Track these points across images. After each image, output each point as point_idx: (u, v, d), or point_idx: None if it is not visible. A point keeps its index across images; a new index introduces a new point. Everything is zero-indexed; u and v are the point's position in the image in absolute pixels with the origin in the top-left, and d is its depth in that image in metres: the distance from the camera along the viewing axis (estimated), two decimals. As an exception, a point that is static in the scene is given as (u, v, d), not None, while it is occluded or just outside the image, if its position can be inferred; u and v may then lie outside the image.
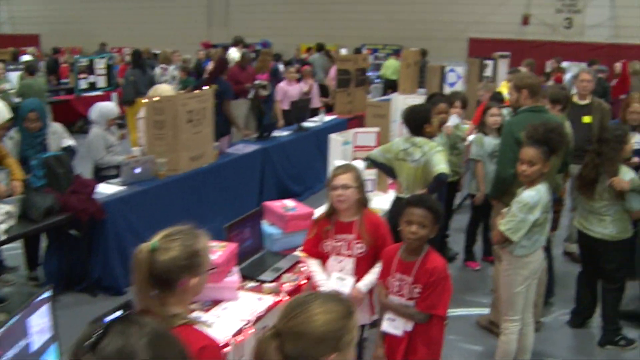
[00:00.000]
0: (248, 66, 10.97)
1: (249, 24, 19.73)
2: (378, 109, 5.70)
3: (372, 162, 5.13)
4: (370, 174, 5.37)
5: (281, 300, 3.67)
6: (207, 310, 3.49)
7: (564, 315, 5.38)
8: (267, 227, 4.55)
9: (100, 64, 14.26)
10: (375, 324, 3.65)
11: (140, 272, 2.15)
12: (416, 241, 3.25)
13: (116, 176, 6.21)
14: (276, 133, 8.85)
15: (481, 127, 6.13)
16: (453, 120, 5.84)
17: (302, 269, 4.02)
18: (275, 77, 12.45)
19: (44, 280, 5.78)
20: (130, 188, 6.06)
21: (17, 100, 10.01)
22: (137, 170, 6.17)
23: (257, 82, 10.78)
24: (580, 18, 16.19)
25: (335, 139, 5.06)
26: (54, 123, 6.37)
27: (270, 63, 12.56)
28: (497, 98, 6.90)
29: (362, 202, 3.63)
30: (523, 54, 15.85)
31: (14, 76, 12.34)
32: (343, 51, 14.86)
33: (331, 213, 3.64)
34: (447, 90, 8.28)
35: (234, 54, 13.67)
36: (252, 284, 3.85)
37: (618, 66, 13.58)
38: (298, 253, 4.14)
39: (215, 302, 3.57)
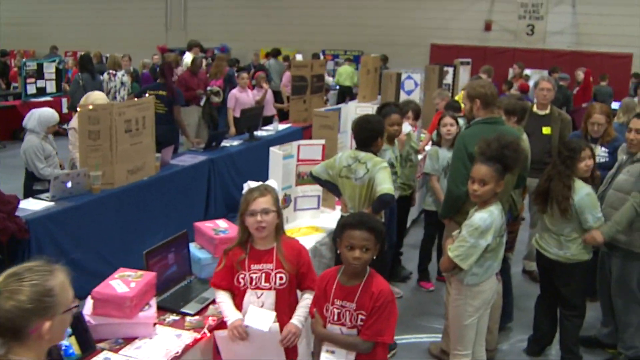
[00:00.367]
0: (200, 71, 10.52)
1: (207, 28, 19.24)
2: (325, 119, 5.30)
3: (315, 180, 4.74)
4: (315, 190, 4.98)
5: (204, 337, 3.27)
6: (116, 351, 3.10)
7: (521, 342, 5.06)
8: (196, 250, 4.14)
9: (50, 68, 13.70)
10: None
11: None
12: (360, 266, 2.92)
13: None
14: (225, 143, 8.41)
15: (436, 138, 5.78)
16: (405, 129, 5.46)
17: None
18: (230, 83, 12.06)
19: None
20: (60, 204, 5.57)
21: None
22: (68, 185, 5.69)
23: (209, 88, 10.35)
24: (542, 25, 16.06)
25: (276, 153, 4.64)
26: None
27: (225, 68, 12.16)
28: (453, 106, 6.55)
29: (280, 227, 3.26)
30: (485, 60, 15.70)
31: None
32: (298, 57, 14.47)
33: (244, 241, 3.23)
34: (404, 98, 7.92)
35: (188, 58, 13.28)
36: (173, 317, 3.46)
37: (580, 74, 13.43)
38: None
39: (129, 340, 3.18)
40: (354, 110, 6.10)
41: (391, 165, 5.15)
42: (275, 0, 18.34)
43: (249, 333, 3.08)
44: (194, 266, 4.01)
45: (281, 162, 4.63)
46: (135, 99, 7.14)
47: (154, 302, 3.37)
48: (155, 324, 3.29)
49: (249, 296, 3.16)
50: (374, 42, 17.14)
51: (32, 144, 6.11)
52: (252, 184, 3.27)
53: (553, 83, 6.20)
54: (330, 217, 5.00)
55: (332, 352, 3.00)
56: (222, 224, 4.20)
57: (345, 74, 14.87)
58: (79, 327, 3.01)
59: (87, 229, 5.69)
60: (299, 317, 3.23)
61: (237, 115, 9.78)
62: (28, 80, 13.19)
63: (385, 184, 4.29)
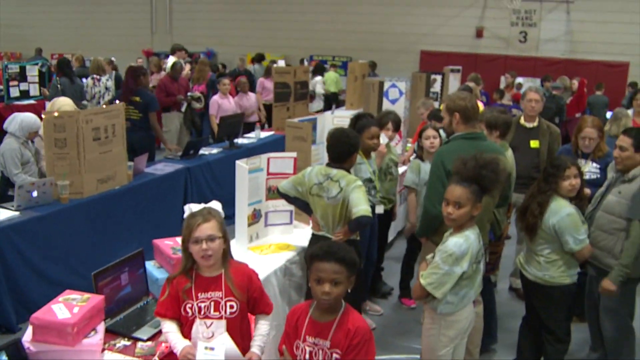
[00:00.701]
0: (180, 77, 10.23)
1: (193, 32, 18.99)
2: (298, 130, 5.01)
3: (282, 197, 4.45)
4: (287, 204, 4.71)
5: (154, 365, 3.03)
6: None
7: (505, 366, 4.77)
8: (154, 269, 3.88)
9: (33, 71, 13.38)
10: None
11: None
12: (331, 302, 2.65)
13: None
14: (204, 151, 8.13)
15: (418, 150, 5.51)
16: (383, 141, 5.17)
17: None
18: (213, 89, 11.80)
19: None
20: (26, 214, 5.35)
21: None
22: (34, 194, 5.46)
23: (190, 94, 10.06)
24: (535, 32, 15.79)
25: (241, 166, 4.35)
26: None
27: (207, 73, 11.86)
28: (437, 116, 6.24)
29: (228, 252, 3.01)
30: (477, 68, 15.48)
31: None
32: (281, 63, 14.18)
33: (189, 268, 2.95)
34: (388, 107, 7.64)
35: (172, 62, 13.02)
36: (124, 342, 3.23)
37: (574, 83, 13.18)
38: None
39: (73, 371, 2.93)
40: (331, 120, 5.81)
41: (369, 180, 4.87)
42: (263, 4, 18.06)
43: None
44: (152, 286, 3.78)
45: (247, 177, 4.34)
46: (104, 106, 6.85)
47: (101, 327, 3.15)
48: (103, 350, 3.10)
49: (198, 326, 2.91)
50: (362, 48, 16.88)
51: (10, 147, 5.96)
52: (193, 207, 3.01)
53: (541, 94, 5.90)
54: (304, 233, 4.73)
55: None
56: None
57: (330, 80, 14.62)
58: (17, 355, 2.81)
59: (55, 239, 5.49)
60: (258, 345, 3.03)
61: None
62: (11, 83, 12.86)
63: (361, 205, 4.03)
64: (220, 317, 2.91)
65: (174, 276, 3.01)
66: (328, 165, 4.31)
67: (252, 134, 9.41)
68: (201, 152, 8.04)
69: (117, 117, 6.19)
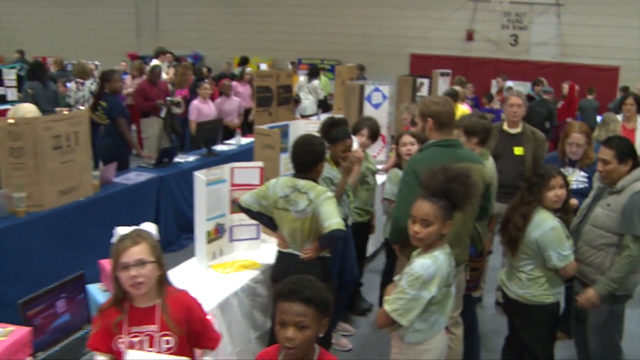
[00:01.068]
0: (160, 81, 9.91)
1: (180, 35, 18.63)
2: (266, 138, 4.69)
3: (244, 212, 4.12)
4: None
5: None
6: None
7: (487, 390, 4.46)
8: (98, 293, 3.54)
9: (10, 75, 13.03)
10: None
11: None
12: (297, 350, 2.28)
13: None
14: (179, 158, 7.80)
15: (397, 159, 5.19)
16: (355, 147, 4.84)
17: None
18: (196, 93, 11.48)
19: None
20: (-22, 228, 5.00)
21: None
22: (-13, 207, 5.12)
23: (169, 98, 9.73)
24: (526, 35, 15.52)
25: (199, 178, 4.03)
26: None
27: (190, 77, 11.56)
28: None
29: (164, 279, 2.68)
30: (467, 71, 15.19)
31: None
32: (262, 66, 13.87)
33: (121, 299, 2.63)
34: (371, 112, 7.33)
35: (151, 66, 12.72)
36: None
37: (565, 87, 12.90)
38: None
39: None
40: (304, 127, 5.49)
41: (330, 181, 4.52)
42: (251, 7, 17.74)
43: None
44: (95, 312, 3.42)
45: (204, 189, 4.01)
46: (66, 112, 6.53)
47: (28, 363, 2.80)
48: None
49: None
50: (352, 51, 16.56)
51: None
52: (123, 230, 2.69)
53: (524, 98, 5.59)
54: (273, 248, 4.37)
55: None
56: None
57: (321, 84, 14.19)
58: None
59: (9, 257, 5.11)
60: None
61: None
62: (-12, 88, 12.54)
63: (333, 219, 3.72)
64: (158, 352, 2.59)
65: (104, 307, 2.69)
66: (294, 176, 4.00)
67: (232, 140, 9.09)
68: (177, 159, 7.72)
69: (81, 124, 5.86)
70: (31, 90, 9.37)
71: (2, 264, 5.03)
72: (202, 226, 4.10)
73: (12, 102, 12.62)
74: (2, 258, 5.03)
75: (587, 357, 4.21)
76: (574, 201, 4.36)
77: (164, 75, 12.60)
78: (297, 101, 12.00)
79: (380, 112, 7.43)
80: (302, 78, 14.07)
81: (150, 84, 9.60)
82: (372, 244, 5.82)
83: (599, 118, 11.51)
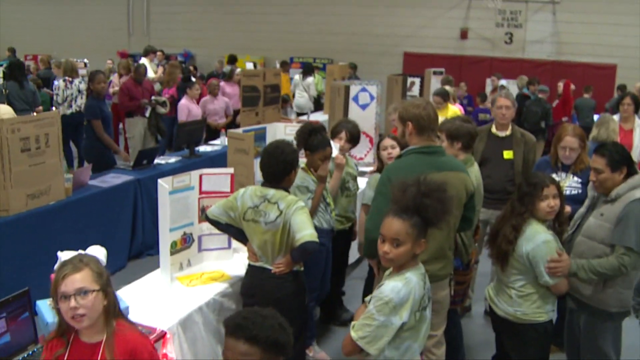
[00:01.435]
0: (145, 80, 9.64)
1: (171, 34, 18.31)
2: (240, 142, 4.42)
3: (212, 224, 3.86)
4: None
5: None
6: None
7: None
8: (47, 311, 3.26)
9: (-4, 73, 12.78)
10: None
11: None
12: None
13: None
14: (160, 160, 7.54)
15: (378, 163, 4.93)
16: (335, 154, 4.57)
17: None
18: (184, 92, 11.23)
19: None
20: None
21: None
22: (-50, 213, 4.87)
23: (154, 97, 9.46)
24: (521, 33, 15.20)
25: (163, 186, 3.76)
26: None
27: (178, 76, 11.30)
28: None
29: (112, 311, 2.37)
30: (461, 70, 14.93)
31: None
32: (249, 65, 13.59)
33: (65, 329, 2.36)
34: (358, 113, 7.06)
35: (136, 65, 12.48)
36: None
37: (561, 85, 12.64)
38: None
39: None
40: (283, 130, 5.23)
41: (305, 189, 4.27)
42: (243, 5, 17.42)
43: None
44: (44, 331, 3.15)
45: (167, 198, 3.75)
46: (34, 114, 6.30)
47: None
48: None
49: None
50: (344, 50, 16.24)
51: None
52: (66, 254, 2.41)
53: (513, 99, 5.29)
54: (246, 259, 4.10)
55: None
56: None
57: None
58: None
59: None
60: None
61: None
62: (-29, 87, 12.25)
63: (306, 230, 3.49)
64: None
65: (49, 338, 2.43)
66: (264, 185, 3.74)
67: (217, 141, 8.83)
68: (157, 161, 7.46)
69: (52, 126, 5.62)
70: (6, 90, 9.10)
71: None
72: (165, 236, 3.83)
73: (-4, 102, 12.39)
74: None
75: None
76: (567, 209, 4.10)
77: (152, 74, 12.40)
78: (286, 101, 11.72)
79: (367, 113, 7.15)
80: (297, 76, 13.89)
81: (135, 83, 9.33)
82: (352, 255, 5.55)
83: (596, 117, 11.26)
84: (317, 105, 13.20)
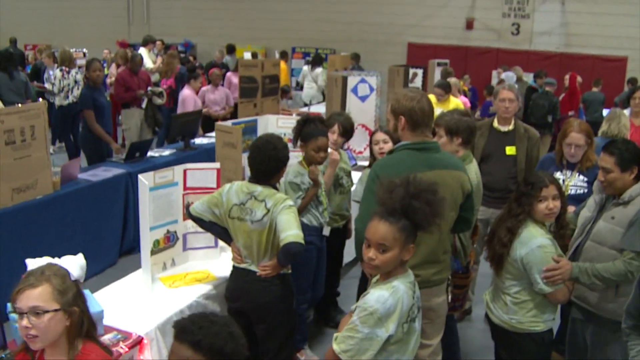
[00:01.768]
0: (141, 70, 9.45)
1: (171, 23, 18.06)
2: (228, 135, 4.21)
3: (195, 221, 3.66)
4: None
5: None
6: None
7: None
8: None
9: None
10: None
11: None
12: None
13: None
14: (154, 153, 7.34)
15: (370, 158, 4.72)
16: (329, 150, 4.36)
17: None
18: (182, 82, 11.04)
19: None
20: None
21: None
22: None
23: (150, 88, 9.27)
24: (528, 24, 14.88)
25: (143, 182, 3.56)
26: None
27: (176, 67, 11.10)
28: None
29: (75, 332, 2.17)
30: (466, 61, 14.67)
31: None
32: (247, 55, 13.35)
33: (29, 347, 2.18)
34: (358, 105, 6.85)
35: (144, 54, 12.28)
36: None
37: (567, 78, 12.34)
38: None
39: None
40: (275, 122, 5.01)
41: (297, 187, 4.07)
42: (244, -6, 17.27)
43: None
44: (15, 336, 2.95)
45: (147, 194, 3.55)
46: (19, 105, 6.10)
47: None
48: None
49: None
50: (346, 40, 15.95)
51: None
52: (33, 263, 2.21)
53: (516, 91, 5.03)
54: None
55: None
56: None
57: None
58: None
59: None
60: None
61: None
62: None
63: (291, 230, 3.29)
64: None
65: (17, 350, 2.24)
66: (251, 181, 3.53)
67: (214, 133, 8.61)
68: (151, 154, 7.26)
69: (37, 118, 5.42)
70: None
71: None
72: (145, 235, 3.63)
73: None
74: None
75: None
76: (571, 209, 3.87)
77: (150, 64, 12.21)
78: (286, 92, 11.50)
79: (367, 105, 6.96)
80: (305, 67, 13.78)
81: (131, 73, 9.12)
82: (349, 253, 5.33)
83: (605, 112, 11.01)
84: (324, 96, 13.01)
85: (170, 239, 3.89)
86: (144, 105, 9.30)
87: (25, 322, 2.05)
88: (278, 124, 4.99)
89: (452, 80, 8.86)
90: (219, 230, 3.62)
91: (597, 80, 12.21)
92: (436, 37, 15.41)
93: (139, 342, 3.11)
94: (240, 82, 8.62)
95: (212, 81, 10.07)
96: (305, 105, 12.44)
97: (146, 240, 3.63)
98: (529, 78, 13.11)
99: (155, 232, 3.74)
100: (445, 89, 7.94)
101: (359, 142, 6.39)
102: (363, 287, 4.93)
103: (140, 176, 3.60)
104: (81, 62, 12.04)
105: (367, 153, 6.95)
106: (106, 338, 3.04)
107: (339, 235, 4.92)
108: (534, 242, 3.22)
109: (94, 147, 7.54)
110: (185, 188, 3.91)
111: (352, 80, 6.91)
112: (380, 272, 2.46)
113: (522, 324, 3.32)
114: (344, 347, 2.40)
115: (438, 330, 3.39)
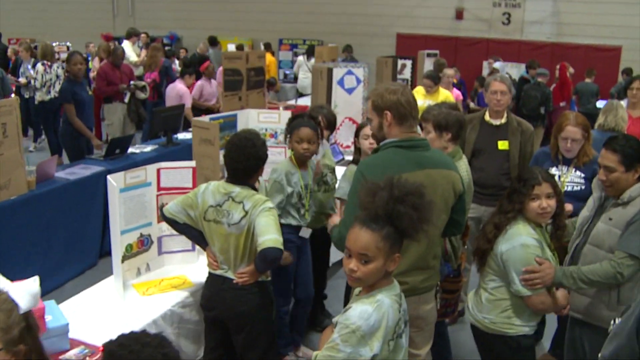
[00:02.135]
0: (123, 63, 9.20)
1: (156, 15, 17.78)
2: (204, 132, 3.98)
3: (169, 223, 3.44)
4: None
5: None
6: None
7: None
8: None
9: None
10: None
11: None
12: None
13: None
14: (135, 149, 7.10)
15: (355, 153, 4.50)
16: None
17: None
18: (167, 76, 10.81)
19: None
20: None
21: None
22: None
23: (133, 82, 9.03)
24: (519, 13, 14.69)
25: (111, 184, 3.34)
26: None
27: (160, 60, 10.83)
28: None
29: None
30: (456, 52, 14.49)
31: None
32: (231, 47, 13.13)
33: None
34: (344, 98, 6.63)
35: (127, 48, 12.03)
36: None
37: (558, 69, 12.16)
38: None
39: None
40: (256, 117, 4.79)
41: (297, 196, 3.89)
42: (230, -15, 16.99)
43: None
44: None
45: (117, 197, 3.33)
46: None
47: None
48: None
49: None
50: (334, 32, 15.70)
51: None
52: None
53: (509, 83, 4.80)
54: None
55: None
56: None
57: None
58: None
59: None
60: None
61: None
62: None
63: (269, 234, 3.07)
64: None
65: None
66: (228, 181, 3.31)
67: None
68: (132, 150, 7.02)
69: (9, 115, 5.17)
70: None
71: None
72: (117, 239, 3.41)
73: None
74: None
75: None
76: (569, 207, 3.66)
77: (134, 58, 11.97)
78: (272, 84, 11.27)
79: (354, 97, 6.74)
80: (300, 57, 13.71)
81: (113, 66, 8.90)
82: (336, 251, 5.10)
83: (600, 103, 10.84)
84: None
85: (144, 243, 3.67)
86: (126, 99, 9.08)
87: None
88: (259, 119, 4.77)
89: (449, 72, 8.63)
90: (194, 234, 3.41)
91: (590, 70, 12.02)
92: (426, 27, 15.20)
93: (107, 356, 2.90)
94: (225, 74, 8.37)
95: (207, 75, 9.91)
96: (301, 95, 12.26)
97: (117, 246, 3.41)
98: (520, 69, 12.96)
99: (127, 235, 3.54)
100: (435, 80, 7.72)
101: (346, 136, 6.18)
102: (350, 288, 4.72)
103: (109, 177, 3.38)
104: (65, 56, 11.81)
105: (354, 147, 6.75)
106: (71, 353, 2.83)
107: (325, 236, 4.70)
108: (518, 239, 3.02)
109: (74, 143, 7.34)
110: (159, 188, 3.69)
111: (338, 72, 6.68)
112: (363, 285, 2.24)
113: (495, 324, 3.12)
114: (325, 366, 2.18)
115: (427, 338, 3.18)
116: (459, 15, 15.01)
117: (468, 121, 4.63)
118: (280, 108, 10.08)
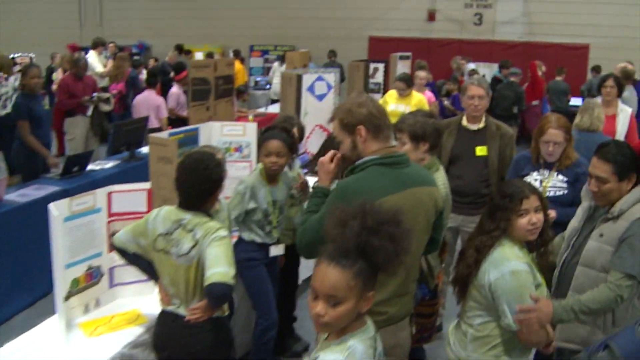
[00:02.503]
0: (87, 75, 8.82)
1: (125, 23, 17.37)
2: (162, 149, 3.64)
3: (119, 253, 3.10)
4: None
5: None
6: None
7: None
8: None
9: None
10: None
11: None
12: None
13: None
14: (95, 166, 6.72)
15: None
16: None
17: None
18: (134, 87, 10.42)
19: None
20: None
21: None
22: None
23: (96, 94, 8.63)
24: (491, 14, 14.62)
25: (53, 213, 2.99)
26: None
27: (127, 70, 10.46)
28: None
29: None
30: (429, 53, 14.33)
31: None
32: (198, 55, 12.81)
33: None
34: (315, 105, 6.33)
35: (92, 58, 11.65)
36: None
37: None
38: None
39: None
40: (219, 130, 4.46)
41: (264, 213, 3.60)
42: (200, -8, 16.69)
43: None
44: None
45: (61, 227, 2.98)
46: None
47: None
48: None
49: None
50: (306, 36, 15.44)
51: None
52: None
53: (487, 87, 4.54)
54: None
55: None
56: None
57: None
58: None
59: None
60: None
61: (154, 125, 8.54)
62: None
63: (217, 267, 2.72)
64: None
65: None
66: (180, 207, 2.97)
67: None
68: (91, 167, 6.64)
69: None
70: None
71: None
72: (60, 274, 3.05)
73: None
74: None
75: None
76: (552, 213, 3.37)
77: (100, 68, 11.58)
78: (242, 92, 10.95)
79: (324, 104, 6.44)
80: (276, 63, 13.60)
81: (75, 78, 8.49)
82: (306, 267, 4.77)
83: (574, 101, 10.71)
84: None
85: (93, 276, 3.32)
86: (89, 112, 8.68)
87: None
88: (223, 132, 4.44)
89: (421, 74, 8.37)
90: (144, 265, 3.07)
91: (560, 68, 11.91)
92: (398, 30, 15.09)
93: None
94: (192, 84, 8.03)
95: (185, 83, 9.51)
96: (274, 101, 11.98)
97: (60, 282, 3.05)
98: (493, 69, 12.82)
99: (73, 269, 3.18)
100: (407, 83, 7.47)
101: (316, 145, 5.89)
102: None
103: (50, 206, 3.03)
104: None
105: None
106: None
107: (293, 253, 4.38)
108: (506, 265, 2.66)
109: (28, 162, 6.87)
110: (110, 214, 3.35)
111: (308, 79, 6.37)
112: (332, 331, 1.91)
113: None
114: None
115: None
116: (431, 16, 14.93)
117: (445, 126, 4.36)
118: (250, 116, 9.78)
